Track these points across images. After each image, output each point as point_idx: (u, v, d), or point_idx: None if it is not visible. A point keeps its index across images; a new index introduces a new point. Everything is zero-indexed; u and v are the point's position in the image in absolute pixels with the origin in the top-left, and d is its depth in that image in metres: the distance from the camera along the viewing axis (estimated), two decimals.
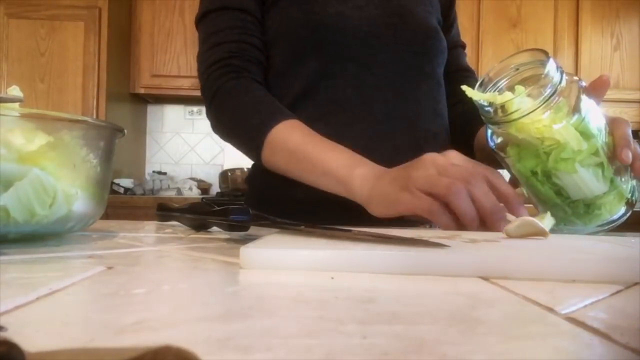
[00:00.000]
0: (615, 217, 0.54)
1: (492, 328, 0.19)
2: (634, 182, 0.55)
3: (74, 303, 0.22)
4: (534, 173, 0.54)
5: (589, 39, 2.74)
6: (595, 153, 0.52)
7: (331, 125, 0.73)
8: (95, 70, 2.57)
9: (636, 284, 0.28)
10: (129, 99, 2.89)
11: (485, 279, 0.28)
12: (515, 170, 0.56)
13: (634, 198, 0.55)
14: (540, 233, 0.41)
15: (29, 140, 0.35)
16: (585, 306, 0.22)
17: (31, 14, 2.55)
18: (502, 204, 0.50)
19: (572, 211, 0.54)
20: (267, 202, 0.77)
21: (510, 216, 0.49)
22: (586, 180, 0.52)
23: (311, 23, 0.73)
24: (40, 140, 0.36)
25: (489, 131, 0.58)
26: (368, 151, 0.64)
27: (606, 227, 0.55)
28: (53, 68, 2.57)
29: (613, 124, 0.55)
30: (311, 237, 0.37)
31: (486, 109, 0.54)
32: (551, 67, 0.51)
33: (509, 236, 0.41)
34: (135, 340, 0.16)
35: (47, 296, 0.22)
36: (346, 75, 0.75)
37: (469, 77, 0.90)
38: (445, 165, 0.52)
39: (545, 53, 0.54)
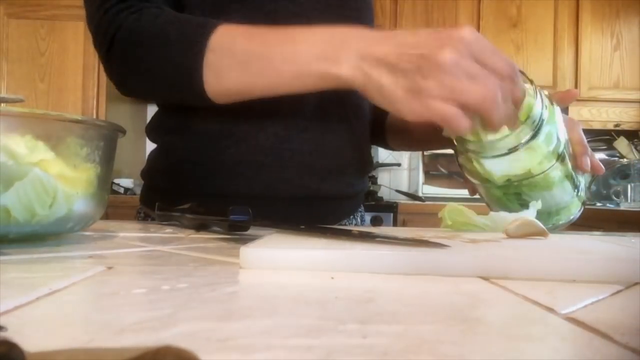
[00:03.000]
0: (572, 217, 0.55)
1: (492, 328, 0.19)
2: (583, 180, 0.55)
3: (74, 303, 0.22)
4: (505, 194, 0.52)
5: (589, 39, 2.74)
6: (566, 168, 0.51)
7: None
8: (95, 70, 2.57)
9: (636, 284, 0.28)
10: (129, 99, 2.89)
11: (485, 279, 0.28)
12: (483, 187, 0.54)
13: (586, 197, 0.56)
14: (540, 233, 0.41)
15: (30, 149, 0.35)
16: (585, 306, 0.22)
17: (31, 14, 2.55)
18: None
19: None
20: (162, 194, 0.70)
21: (506, 215, 0.48)
22: (557, 196, 0.52)
23: None
24: (40, 153, 0.36)
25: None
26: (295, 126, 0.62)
27: (561, 227, 0.56)
28: (53, 68, 2.57)
29: (567, 127, 0.53)
30: (311, 237, 0.37)
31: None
32: (538, 102, 0.48)
33: (509, 236, 0.41)
34: (135, 340, 0.16)
35: (47, 296, 0.22)
36: None
37: None
38: (468, 66, 0.44)
39: (530, 80, 0.50)
